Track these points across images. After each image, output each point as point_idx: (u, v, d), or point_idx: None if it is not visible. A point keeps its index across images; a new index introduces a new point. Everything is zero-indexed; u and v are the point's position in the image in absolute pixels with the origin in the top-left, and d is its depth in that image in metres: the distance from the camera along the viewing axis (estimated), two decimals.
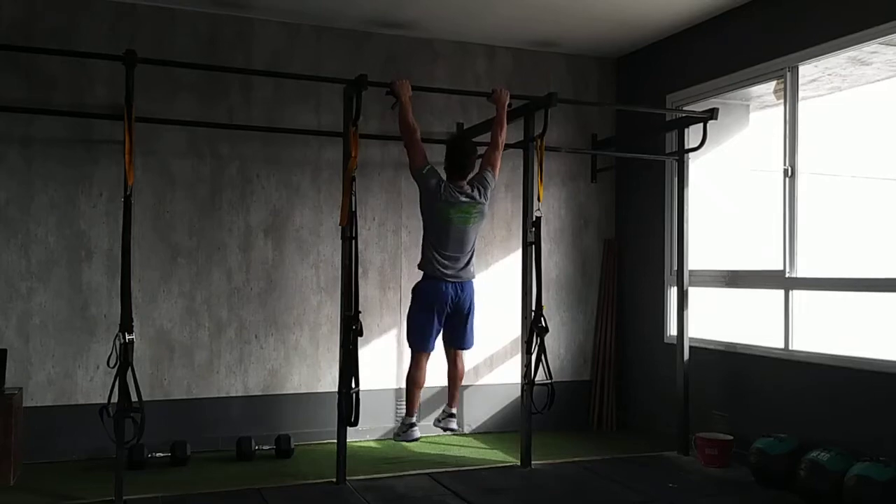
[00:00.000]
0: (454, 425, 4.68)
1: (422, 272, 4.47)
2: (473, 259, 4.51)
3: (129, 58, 4.12)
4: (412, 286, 4.56)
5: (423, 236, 4.49)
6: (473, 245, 4.49)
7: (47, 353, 5.10)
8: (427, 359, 4.53)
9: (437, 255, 4.38)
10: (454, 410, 4.69)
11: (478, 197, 4.42)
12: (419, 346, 4.48)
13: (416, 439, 4.58)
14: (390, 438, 5.84)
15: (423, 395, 5.90)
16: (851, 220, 6.77)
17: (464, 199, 4.37)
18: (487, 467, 5.14)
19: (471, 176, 4.50)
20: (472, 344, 4.63)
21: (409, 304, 4.57)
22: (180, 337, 5.40)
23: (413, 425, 4.53)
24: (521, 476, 4.93)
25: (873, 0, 4.46)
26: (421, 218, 4.51)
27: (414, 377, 4.52)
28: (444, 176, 4.43)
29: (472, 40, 6.11)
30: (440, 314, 4.41)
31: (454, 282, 4.40)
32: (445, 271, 4.37)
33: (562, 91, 6.11)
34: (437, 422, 4.73)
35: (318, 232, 5.74)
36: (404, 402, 4.65)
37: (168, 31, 5.39)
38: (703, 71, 5.69)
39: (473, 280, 4.52)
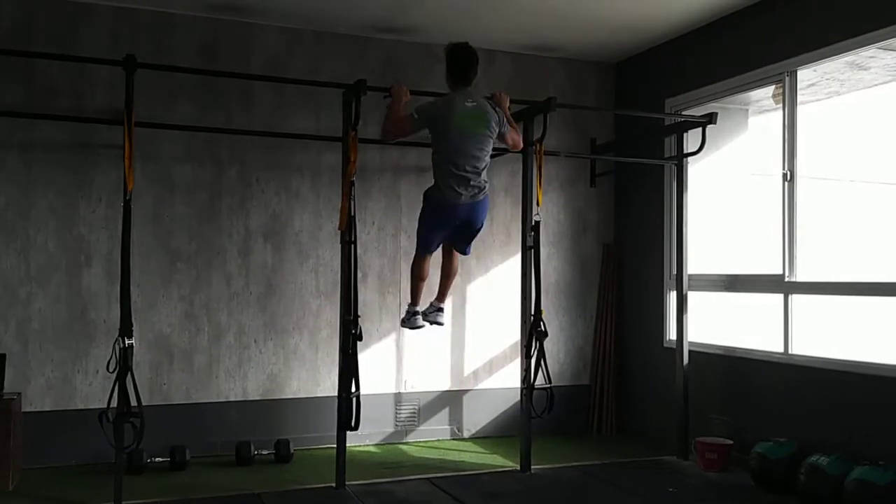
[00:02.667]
0: (441, 319, 4.76)
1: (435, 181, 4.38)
2: (487, 180, 4.37)
3: (129, 63, 4.12)
4: (425, 191, 4.44)
5: (434, 161, 4.36)
6: (486, 161, 4.34)
7: (46, 357, 5.10)
8: (430, 257, 4.59)
9: (451, 180, 4.24)
10: (443, 305, 4.76)
11: (485, 110, 4.32)
12: (424, 249, 4.54)
13: (420, 327, 4.72)
14: (390, 443, 5.85)
15: (425, 399, 5.96)
16: (850, 224, 6.78)
17: (470, 104, 4.29)
18: (487, 472, 5.13)
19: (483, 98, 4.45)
20: (469, 251, 4.72)
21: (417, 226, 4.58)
22: (179, 341, 5.40)
23: (417, 314, 4.67)
24: (521, 480, 4.92)
25: (871, 5, 4.47)
26: (432, 145, 4.39)
27: (418, 272, 4.59)
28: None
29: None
30: (450, 228, 4.42)
31: (468, 203, 4.31)
32: (459, 196, 4.26)
33: (561, 96, 6.08)
34: (425, 316, 4.75)
35: (318, 236, 5.74)
36: (410, 293, 4.73)
37: (168, 36, 5.40)
38: (702, 75, 5.70)
39: (487, 196, 4.41)
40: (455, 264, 4.74)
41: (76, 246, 5.18)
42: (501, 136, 4.48)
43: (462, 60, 4.37)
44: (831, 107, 5.92)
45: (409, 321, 4.72)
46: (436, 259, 4.70)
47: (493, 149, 4.47)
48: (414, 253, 4.66)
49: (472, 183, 4.27)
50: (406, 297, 5.80)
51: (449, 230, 4.45)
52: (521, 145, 4.72)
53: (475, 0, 5.20)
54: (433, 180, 4.39)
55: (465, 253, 4.70)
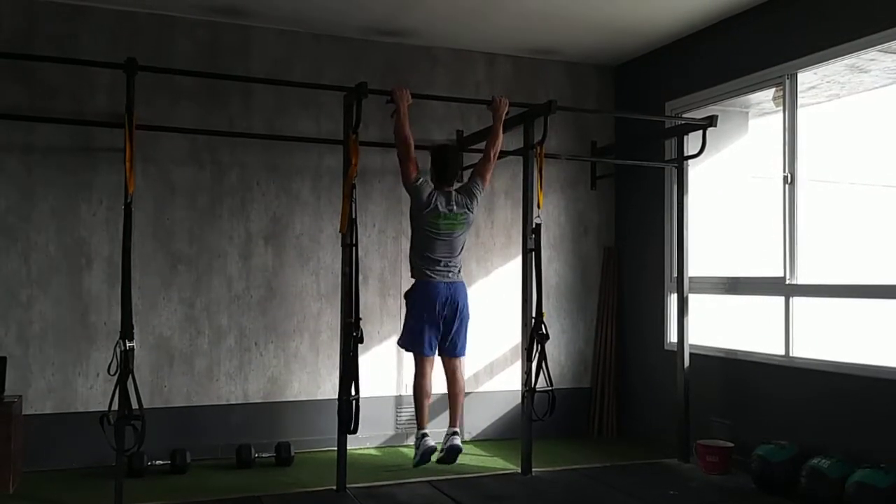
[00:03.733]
0: (458, 442, 4.47)
1: (413, 280, 4.53)
2: (461, 266, 4.57)
3: (130, 66, 4.12)
4: (405, 293, 4.60)
5: (411, 246, 4.57)
6: (461, 252, 4.56)
7: (47, 360, 5.10)
8: (431, 365, 4.53)
9: (426, 262, 4.44)
10: (457, 429, 4.55)
11: (465, 207, 4.48)
12: (420, 349, 4.48)
13: (434, 448, 4.42)
14: (391, 446, 5.85)
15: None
16: (851, 226, 6.78)
17: (450, 208, 4.43)
18: (488, 475, 5.12)
19: (459, 185, 4.58)
20: (465, 351, 4.63)
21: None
22: (180, 344, 5.40)
23: (426, 435, 4.45)
24: (522, 483, 4.91)
25: (872, 7, 4.47)
26: (410, 226, 4.58)
27: (420, 386, 4.49)
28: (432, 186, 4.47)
29: (472, 48, 6.13)
30: (437, 313, 4.42)
31: (446, 282, 4.45)
32: (436, 275, 4.43)
33: (561, 98, 6.09)
34: (445, 444, 4.54)
35: (318, 239, 5.74)
36: (415, 418, 4.59)
37: (168, 39, 5.41)
38: (702, 78, 5.70)
39: (465, 284, 4.57)
40: (459, 378, 4.62)
41: (77, 248, 5.18)
42: (481, 179, 4.60)
43: (440, 163, 4.54)
44: (832, 109, 5.93)
45: (420, 448, 4.41)
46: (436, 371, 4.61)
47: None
48: (414, 361, 4.55)
49: (447, 267, 4.46)
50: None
51: (436, 318, 4.42)
52: (490, 170, 4.67)
53: (475, 3, 5.21)
54: (410, 267, 4.56)
55: (461, 354, 4.60)
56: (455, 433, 4.51)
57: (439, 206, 4.40)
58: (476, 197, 4.55)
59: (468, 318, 4.57)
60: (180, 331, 5.40)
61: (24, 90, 5.08)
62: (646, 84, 6.32)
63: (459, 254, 4.54)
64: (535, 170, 4.93)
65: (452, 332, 4.51)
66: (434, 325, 4.44)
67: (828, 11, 4.77)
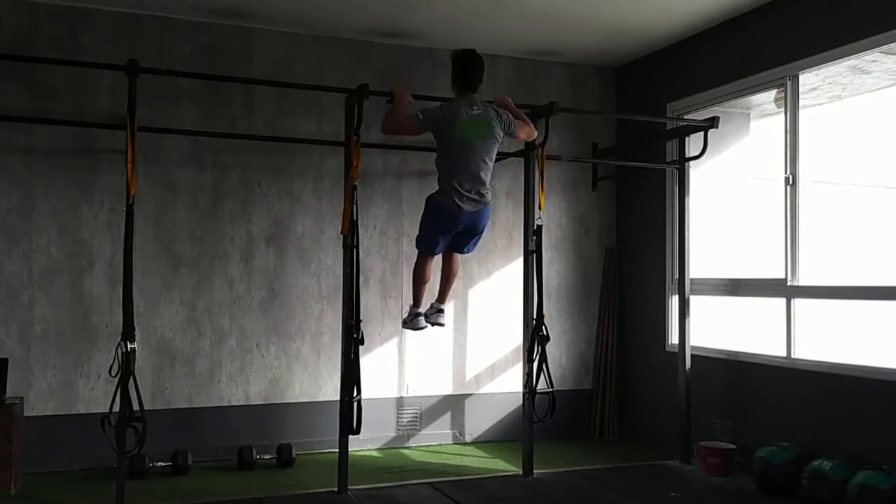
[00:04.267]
0: (442, 320, 4.75)
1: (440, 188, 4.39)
2: (490, 187, 4.39)
3: (132, 67, 4.13)
4: (427, 197, 4.45)
5: (438, 167, 4.38)
6: (491, 168, 4.38)
7: (48, 362, 5.10)
8: (432, 259, 4.59)
9: (455, 187, 4.26)
10: (443, 306, 4.75)
11: (490, 116, 4.33)
12: (427, 252, 4.54)
13: (423, 328, 4.72)
14: (392, 447, 5.85)
15: (426, 403, 5.96)
16: (852, 228, 6.78)
17: (475, 111, 4.30)
18: (489, 476, 5.12)
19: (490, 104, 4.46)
20: (471, 251, 4.70)
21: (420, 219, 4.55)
22: (181, 346, 5.40)
23: (419, 315, 4.66)
24: (523, 485, 4.91)
25: (873, 9, 4.47)
26: (437, 150, 4.42)
27: (420, 275, 4.59)
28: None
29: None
30: (451, 233, 4.43)
31: (471, 210, 4.32)
32: (462, 204, 4.27)
33: (562, 100, 6.08)
34: (427, 317, 4.74)
35: (320, 241, 5.75)
36: (412, 295, 4.71)
37: (170, 41, 5.41)
38: (704, 80, 5.70)
39: (490, 209, 4.46)
40: (455, 266, 4.73)
41: (78, 250, 5.18)
42: (512, 136, 4.53)
43: (468, 66, 4.40)
44: (833, 111, 5.92)
45: (412, 322, 4.72)
46: (437, 262, 4.70)
47: (497, 153, 4.50)
48: (416, 256, 4.66)
49: (476, 191, 4.30)
50: (408, 301, 5.81)
51: (450, 236, 4.46)
52: (535, 134, 4.67)
53: (477, 4, 5.21)
54: (437, 186, 4.40)
55: (468, 252, 4.69)
56: (441, 310, 4.73)
57: (462, 111, 4.25)
58: (503, 121, 4.37)
59: (484, 233, 4.55)
60: (182, 332, 5.40)
61: (26, 92, 5.08)
62: (647, 85, 6.32)
63: (488, 170, 4.33)
64: (537, 171, 4.94)
65: (463, 241, 4.54)
66: (446, 238, 4.46)
67: (829, 13, 4.76)
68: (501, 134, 4.39)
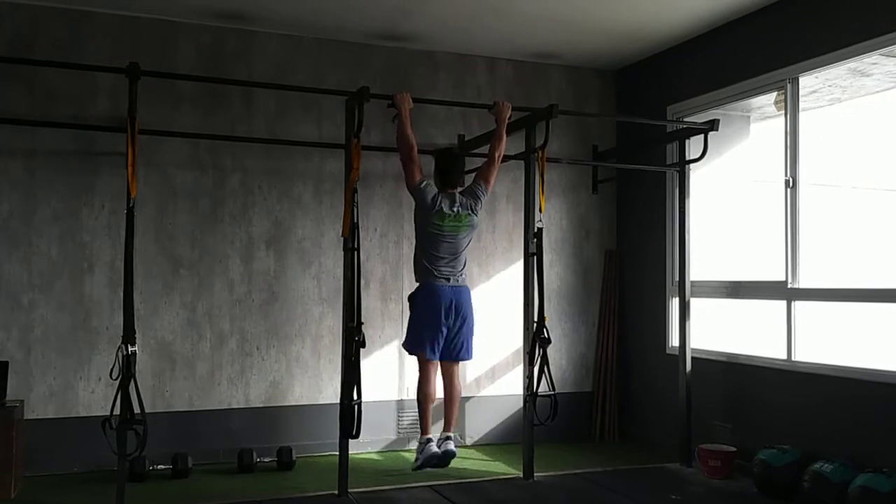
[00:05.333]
0: (453, 447, 4.47)
1: (418, 283, 4.56)
2: (466, 270, 4.59)
3: (133, 70, 4.13)
4: (408, 296, 4.62)
5: (416, 248, 4.58)
6: (465, 255, 4.57)
7: (49, 365, 5.09)
8: (435, 370, 4.53)
9: (431, 264, 4.45)
10: (452, 434, 4.53)
11: (468, 210, 4.50)
12: (425, 352, 4.46)
13: (436, 452, 4.41)
14: (392, 450, 5.84)
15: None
16: (853, 230, 6.77)
17: (455, 209, 4.45)
18: (490, 479, 5.12)
19: (461, 189, 4.58)
20: (471, 355, 4.62)
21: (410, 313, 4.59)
22: (182, 349, 5.40)
23: (430, 441, 4.44)
24: (524, 488, 4.91)
25: (874, 11, 4.48)
26: (414, 230, 4.60)
27: (425, 390, 4.47)
28: (436, 189, 4.50)
29: (473, 52, 6.14)
30: (441, 316, 4.42)
31: (451, 286, 4.46)
32: (440, 278, 4.44)
33: (562, 102, 6.12)
34: (437, 447, 4.53)
35: (320, 243, 5.75)
36: (418, 423, 4.58)
37: (171, 44, 5.41)
38: (704, 82, 5.70)
39: (469, 289, 4.58)
40: (457, 387, 4.63)
41: (79, 253, 5.18)
42: (485, 182, 4.62)
43: (446, 167, 4.58)
44: (833, 113, 5.93)
45: (424, 458, 4.41)
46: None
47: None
48: (418, 365, 4.54)
49: (453, 272, 4.48)
50: (407, 304, 5.81)
51: (440, 322, 4.42)
52: (494, 174, 4.68)
53: (477, 7, 5.22)
54: (414, 270, 4.58)
55: (466, 357, 4.58)
56: (449, 437, 4.51)
57: (444, 208, 4.42)
58: (480, 199, 4.56)
59: (473, 322, 4.56)
60: (182, 335, 5.40)
61: (27, 94, 5.09)
62: (647, 88, 6.33)
63: (464, 258, 4.55)
64: (537, 174, 4.93)
65: (456, 336, 4.51)
66: (438, 328, 4.44)
67: (829, 15, 4.77)
68: (477, 217, 4.57)
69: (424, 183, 4.44)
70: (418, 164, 4.47)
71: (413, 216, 4.59)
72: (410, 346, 4.56)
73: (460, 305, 4.48)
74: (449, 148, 4.62)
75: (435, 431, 4.53)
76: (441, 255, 4.45)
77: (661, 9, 5.25)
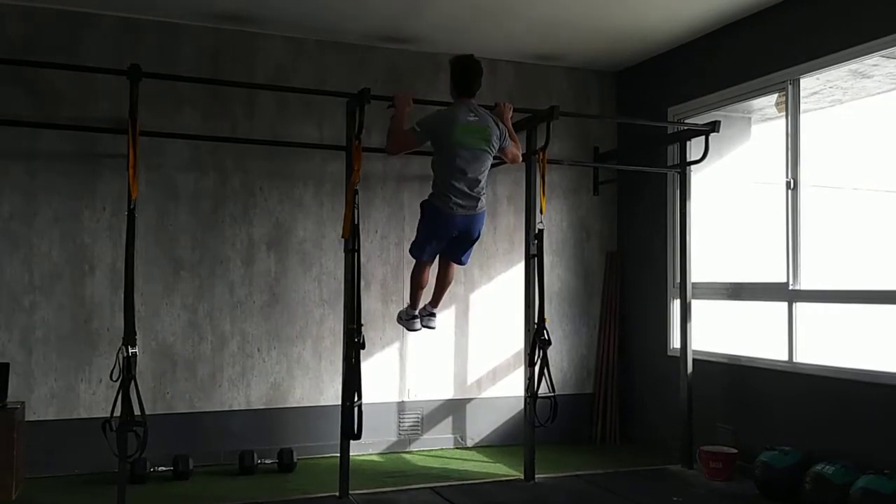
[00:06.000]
0: (433, 324, 4.79)
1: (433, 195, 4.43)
2: (484, 193, 4.43)
3: (134, 72, 4.13)
4: (422, 202, 4.49)
5: (434, 171, 4.43)
6: (485, 175, 4.41)
7: (50, 366, 5.10)
8: (430, 266, 4.62)
9: (449, 191, 4.30)
10: (435, 311, 4.78)
11: (487, 124, 4.37)
12: (423, 259, 4.55)
13: (417, 330, 4.81)
14: (393, 452, 5.84)
15: (428, 408, 5.96)
16: (854, 232, 6.77)
17: (472, 117, 4.33)
18: (491, 481, 5.11)
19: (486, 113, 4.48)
20: (467, 261, 4.71)
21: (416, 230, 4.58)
22: (183, 350, 5.40)
23: (415, 317, 4.74)
24: (525, 490, 4.91)
25: (874, 13, 4.48)
26: (433, 157, 4.46)
27: (418, 280, 4.63)
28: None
29: (474, 54, 6.10)
30: (447, 238, 4.44)
31: (466, 215, 4.36)
32: (457, 208, 4.31)
33: (563, 104, 6.12)
34: (420, 319, 4.78)
35: (321, 245, 5.75)
36: (409, 297, 4.78)
37: (172, 46, 5.42)
38: (705, 84, 5.70)
39: (485, 209, 4.48)
40: (451, 274, 4.74)
41: (80, 254, 5.19)
42: (502, 151, 4.52)
43: (467, 72, 4.42)
44: (834, 115, 5.93)
45: (407, 322, 4.80)
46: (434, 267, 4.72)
47: (493, 158, 4.50)
48: (415, 260, 4.65)
49: (470, 196, 4.34)
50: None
51: (446, 241, 4.47)
52: (520, 159, 4.74)
53: (478, 9, 5.22)
54: (432, 190, 4.43)
55: (462, 263, 4.70)
56: (433, 314, 4.77)
57: (459, 117, 4.29)
58: (499, 133, 4.41)
59: (479, 239, 4.57)
60: (183, 337, 5.40)
61: (28, 96, 5.09)
62: (648, 90, 6.33)
63: (482, 182, 4.38)
64: (538, 175, 4.94)
65: (460, 248, 4.55)
66: (443, 242, 4.48)
67: (830, 17, 4.77)
68: (496, 145, 4.43)
69: (416, 124, 4.34)
70: (404, 130, 4.39)
71: (432, 146, 4.43)
72: (414, 252, 4.58)
73: (471, 231, 4.44)
74: (467, 55, 4.49)
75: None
76: (460, 179, 4.27)
77: (661, 10, 5.25)
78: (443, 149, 4.34)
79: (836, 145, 6.44)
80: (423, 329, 4.83)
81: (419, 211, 4.52)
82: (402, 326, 4.92)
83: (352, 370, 4.36)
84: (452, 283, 4.86)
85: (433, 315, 4.78)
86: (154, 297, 5.33)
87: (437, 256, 4.63)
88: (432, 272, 4.70)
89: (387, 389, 5.86)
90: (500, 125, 4.48)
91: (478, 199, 4.38)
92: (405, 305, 4.88)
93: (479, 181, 4.37)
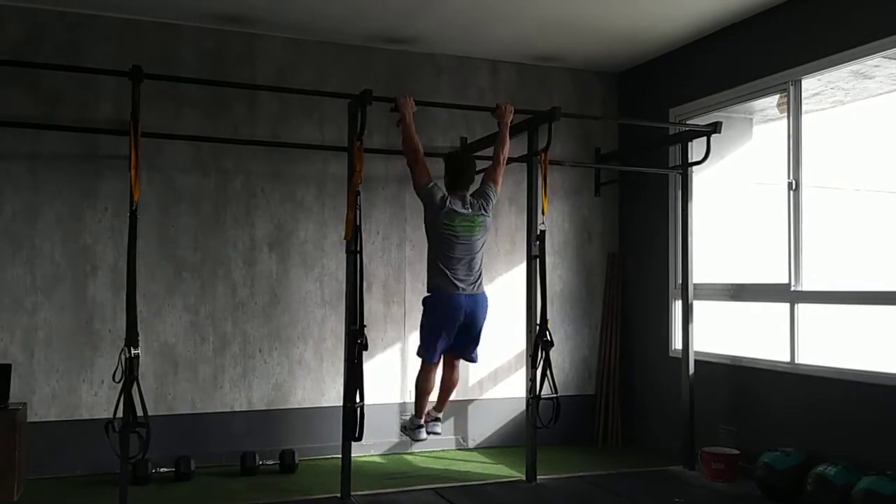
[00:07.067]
0: (439, 429, 4.75)
1: (433, 288, 4.49)
2: (482, 275, 4.55)
3: (136, 74, 4.14)
4: (423, 298, 4.56)
5: (429, 256, 4.51)
6: (481, 259, 4.52)
7: (52, 367, 5.10)
8: (436, 368, 4.59)
9: (446, 271, 4.39)
10: (440, 415, 4.75)
11: (480, 210, 4.47)
12: (430, 359, 4.52)
13: (422, 440, 4.72)
14: (395, 453, 5.84)
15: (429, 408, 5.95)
16: (856, 233, 6.76)
17: (467, 210, 4.42)
18: (492, 482, 5.11)
19: (473, 190, 4.56)
20: (477, 359, 4.69)
21: (416, 317, 4.61)
22: (184, 351, 5.40)
23: (421, 427, 4.65)
24: (527, 491, 4.90)
25: (876, 14, 4.48)
26: (426, 236, 4.53)
27: (423, 386, 4.59)
28: (445, 191, 4.49)
29: (476, 55, 6.14)
30: (453, 328, 4.43)
31: (467, 294, 4.42)
32: (456, 287, 4.39)
33: (565, 105, 6.12)
34: (426, 433, 4.73)
35: (323, 246, 5.75)
36: (413, 406, 4.73)
37: (173, 47, 5.42)
38: (706, 85, 5.70)
39: (486, 296, 4.55)
40: (455, 378, 4.73)
41: (82, 256, 5.19)
42: (493, 184, 4.60)
43: (458, 168, 4.53)
44: (836, 116, 5.92)
45: (412, 432, 4.69)
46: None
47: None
48: (421, 363, 4.61)
49: (468, 276, 4.43)
50: (410, 306, 5.83)
51: (452, 329, 4.45)
52: (501, 176, 4.70)
53: (479, 11, 5.22)
54: (428, 280, 4.50)
55: (473, 360, 4.69)
56: (438, 419, 4.72)
57: (455, 208, 4.39)
58: (491, 199, 4.54)
59: (483, 327, 4.58)
60: (185, 338, 5.41)
61: (30, 98, 5.10)
62: (649, 90, 6.33)
63: (479, 261, 4.49)
64: (540, 176, 4.94)
65: (465, 341, 4.54)
66: (449, 337, 4.47)
67: (832, 17, 4.77)
68: (489, 221, 4.54)
69: (432, 184, 4.43)
70: (426, 165, 4.46)
71: (424, 222, 4.53)
72: (422, 352, 4.55)
73: (475, 315, 4.47)
74: (459, 150, 4.61)
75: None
76: (456, 258, 4.40)
77: (663, 11, 5.25)
78: (439, 234, 4.42)
79: (838, 146, 6.43)
80: (430, 437, 4.74)
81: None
82: (406, 437, 4.84)
83: (353, 371, 4.36)
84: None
85: (438, 420, 4.72)
86: (156, 299, 5.33)
87: (442, 358, 4.59)
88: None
89: (388, 390, 5.86)
90: (491, 193, 4.54)
91: (477, 279, 4.47)
92: (408, 416, 4.84)
93: (477, 264, 4.48)
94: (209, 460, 5.29)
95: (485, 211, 4.49)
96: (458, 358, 4.64)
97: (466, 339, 4.53)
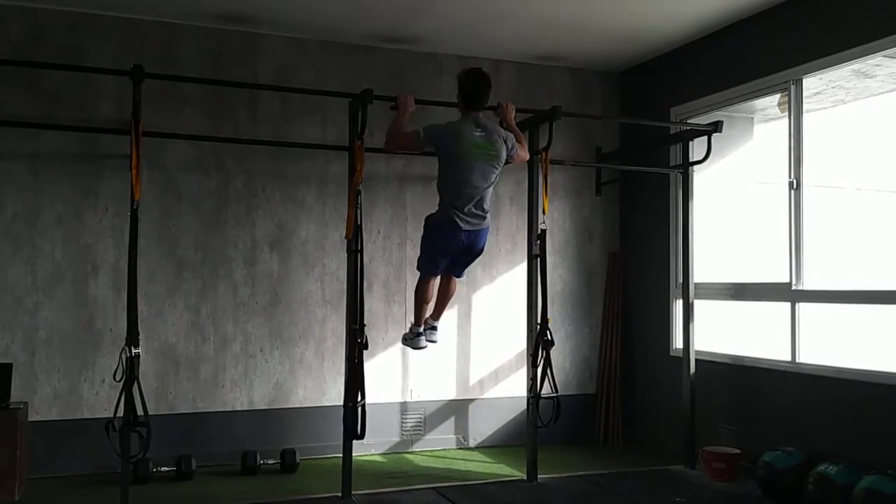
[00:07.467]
0: (435, 337, 4.76)
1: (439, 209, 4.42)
2: (490, 208, 4.43)
3: (137, 73, 4.14)
4: (427, 216, 4.49)
5: (439, 186, 4.40)
6: (490, 194, 4.39)
7: (53, 367, 5.10)
8: (434, 280, 4.59)
9: (455, 206, 4.29)
10: (437, 324, 4.75)
11: (495, 136, 4.36)
12: (428, 273, 4.54)
13: (423, 347, 4.75)
14: (396, 452, 5.84)
15: (430, 408, 5.96)
16: (857, 232, 6.76)
17: (478, 133, 4.32)
18: (493, 481, 5.11)
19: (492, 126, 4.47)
20: (464, 275, 4.73)
21: (420, 242, 4.56)
22: (185, 351, 5.40)
23: (420, 334, 4.69)
24: (528, 490, 4.91)
25: (877, 13, 4.47)
26: (438, 168, 4.42)
27: (422, 295, 4.59)
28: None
29: (477, 55, 6.14)
30: (452, 253, 4.43)
31: (470, 229, 4.34)
32: (461, 219, 4.29)
33: (566, 105, 6.12)
34: (425, 341, 4.76)
35: (324, 245, 5.75)
36: (413, 314, 4.75)
37: (175, 47, 5.43)
38: (707, 84, 5.70)
39: (489, 229, 4.48)
40: (453, 287, 4.73)
41: (83, 255, 5.19)
42: (511, 160, 4.52)
43: (474, 86, 4.39)
44: (837, 115, 5.92)
45: (412, 341, 4.74)
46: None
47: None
48: (419, 275, 4.62)
49: (475, 211, 4.33)
50: (410, 306, 5.81)
51: (451, 256, 4.46)
52: (527, 157, 4.76)
53: (480, 10, 5.22)
54: (437, 206, 4.42)
55: (459, 276, 4.71)
56: (434, 327, 4.73)
57: (465, 132, 4.28)
58: (508, 143, 4.40)
59: (481, 253, 4.56)
60: (185, 337, 5.41)
61: (31, 97, 5.10)
62: (650, 90, 6.32)
63: (488, 196, 4.37)
64: (540, 176, 4.94)
65: (462, 262, 4.55)
66: (448, 257, 4.47)
67: (833, 16, 4.76)
68: (503, 158, 4.41)
69: (422, 128, 4.33)
70: (406, 132, 4.37)
71: (438, 163, 4.41)
72: (422, 267, 4.56)
73: (474, 246, 4.43)
74: (475, 68, 4.47)
75: None
76: (465, 195, 4.27)
77: (664, 11, 5.25)
78: (448, 163, 4.34)
79: (839, 145, 6.43)
80: (428, 345, 4.78)
81: (425, 211, 4.51)
82: (407, 347, 4.85)
83: (354, 370, 4.37)
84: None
85: (435, 329, 4.75)
86: (157, 298, 5.34)
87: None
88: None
89: (389, 390, 5.86)
90: (507, 136, 4.46)
91: (484, 216, 4.38)
92: (410, 323, 4.84)
93: (485, 197, 4.36)
94: (210, 460, 5.29)
95: (499, 139, 4.34)
96: (452, 275, 4.66)
97: (462, 260, 4.54)
